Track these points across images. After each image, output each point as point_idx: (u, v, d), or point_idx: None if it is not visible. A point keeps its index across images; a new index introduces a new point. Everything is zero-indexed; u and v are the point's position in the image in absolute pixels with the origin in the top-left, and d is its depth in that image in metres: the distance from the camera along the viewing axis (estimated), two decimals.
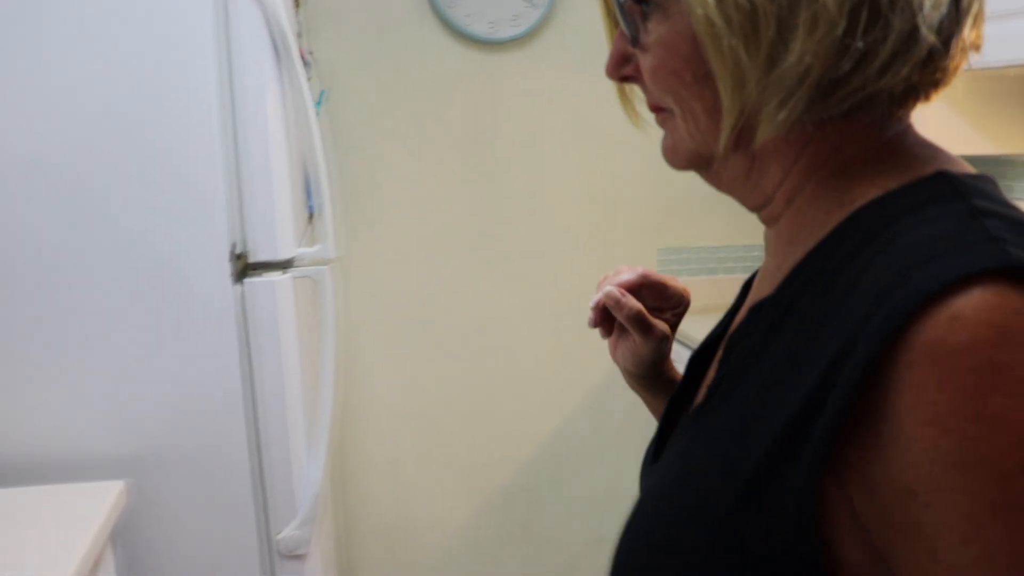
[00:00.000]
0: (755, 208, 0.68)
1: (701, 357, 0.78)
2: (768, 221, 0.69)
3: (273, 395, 1.66)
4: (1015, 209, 0.57)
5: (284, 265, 1.67)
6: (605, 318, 0.90)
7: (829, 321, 0.55)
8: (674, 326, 0.91)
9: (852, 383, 0.50)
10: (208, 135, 1.57)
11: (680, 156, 0.68)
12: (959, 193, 0.57)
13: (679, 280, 0.91)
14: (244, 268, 1.64)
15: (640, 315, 0.87)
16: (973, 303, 0.48)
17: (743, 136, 0.62)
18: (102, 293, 1.59)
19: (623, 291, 0.87)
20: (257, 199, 1.61)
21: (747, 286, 0.79)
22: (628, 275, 0.89)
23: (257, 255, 1.64)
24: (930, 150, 0.63)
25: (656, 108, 0.68)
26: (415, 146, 2.52)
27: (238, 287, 1.63)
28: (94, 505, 1.45)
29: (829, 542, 0.53)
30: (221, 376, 1.63)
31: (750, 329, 0.65)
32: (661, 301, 0.90)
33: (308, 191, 1.92)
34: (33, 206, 1.56)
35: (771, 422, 0.55)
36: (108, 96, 1.54)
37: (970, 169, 0.62)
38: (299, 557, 1.72)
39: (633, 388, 0.96)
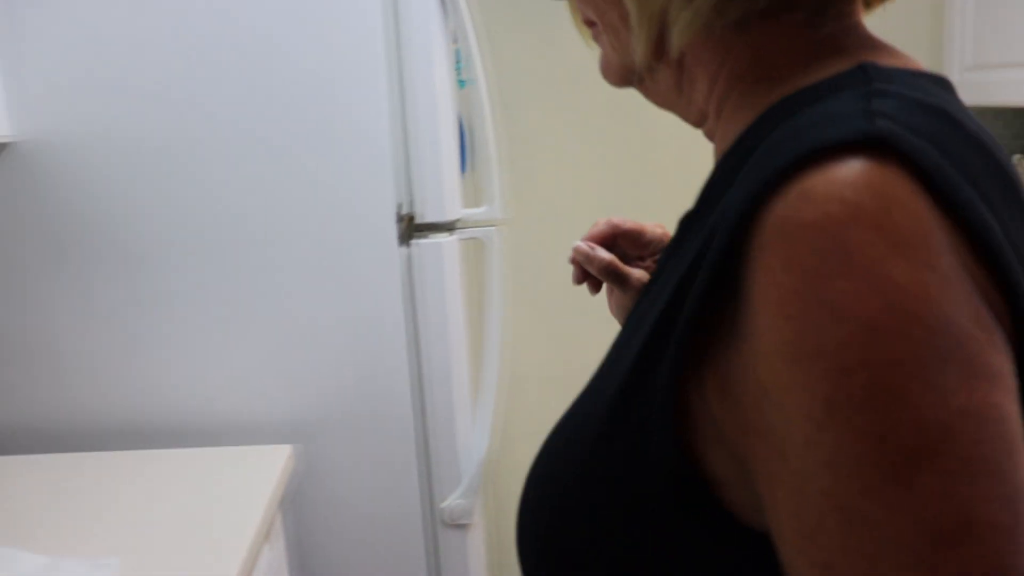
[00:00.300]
0: (695, 123, 0.66)
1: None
2: (709, 136, 0.66)
3: (439, 359, 1.61)
4: (938, 99, 0.51)
5: (450, 227, 1.62)
6: (587, 274, 0.88)
7: (713, 220, 0.51)
8: (650, 266, 0.90)
9: (708, 273, 0.47)
10: (375, 92, 1.53)
11: (611, 72, 0.66)
12: (868, 80, 0.52)
13: (660, 225, 0.90)
14: (410, 229, 1.60)
15: (611, 267, 0.86)
16: (826, 178, 0.43)
17: (661, 45, 0.59)
18: (271, 256, 1.57)
19: (592, 245, 0.87)
20: (424, 158, 1.56)
21: None
22: (600, 227, 0.89)
23: (424, 216, 1.59)
24: (872, 50, 0.57)
25: (588, 23, 0.66)
26: (565, 107, 2.44)
27: (404, 249, 1.59)
28: (266, 469, 1.44)
29: (697, 456, 0.49)
30: (387, 340, 1.59)
31: (669, 246, 0.64)
32: (639, 248, 0.90)
33: (461, 151, 1.86)
34: (206, 167, 1.55)
35: (644, 329, 0.53)
36: (280, 55, 1.51)
37: (917, 66, 0.56)
38: (463, 527, 1.68)
39: None
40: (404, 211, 1.59)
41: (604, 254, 0.86)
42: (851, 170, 0.43)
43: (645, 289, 0.66)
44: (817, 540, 0.43)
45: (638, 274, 0.87)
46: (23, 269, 1.60)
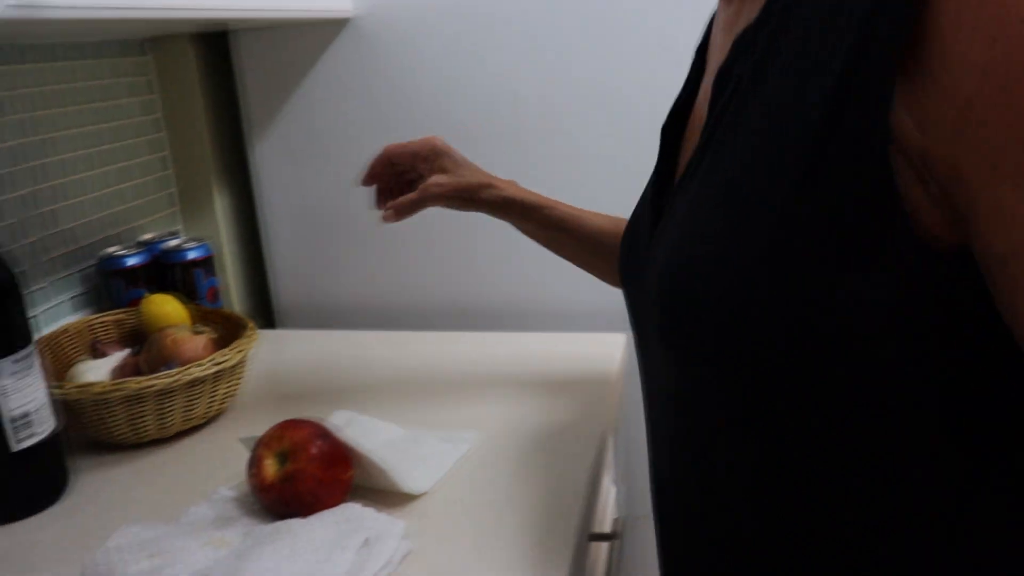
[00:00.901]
0: None
1: (668, 137, 0.75)
2: None
3: None
4: None
5: None
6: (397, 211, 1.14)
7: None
8: (442, 168, 1.13)
9: (895, 17, 0.47)
10: None
11: None
12: None
13: (435, 138, 1.15)
14: None
15: (405, 206, 1.12)
16: None
17: None
18: (603, 144, 1.51)
19: (395, 205, 1.13)
20: None
21: (699, 57, 0.76)
22: (377, 166, 1.16)
23: None
24: None
25: None
26: None
27: None
28: (606, 356, 1.40)
29: (898, 195, 0.49)
30: None
31: (739, 59, 0.60)
32: (416, 161, 1.14)
33: None
34: (544, 44, 1.49)
35: (809, 96, 0.52)
36: None
37: None
38: None
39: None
40: None
41: (401, 200, 1.13)
42: None
43: (666, 135, 0.71)
44: None
45: (422, 190, 1.12)
46: (357, 145, 1.61)
